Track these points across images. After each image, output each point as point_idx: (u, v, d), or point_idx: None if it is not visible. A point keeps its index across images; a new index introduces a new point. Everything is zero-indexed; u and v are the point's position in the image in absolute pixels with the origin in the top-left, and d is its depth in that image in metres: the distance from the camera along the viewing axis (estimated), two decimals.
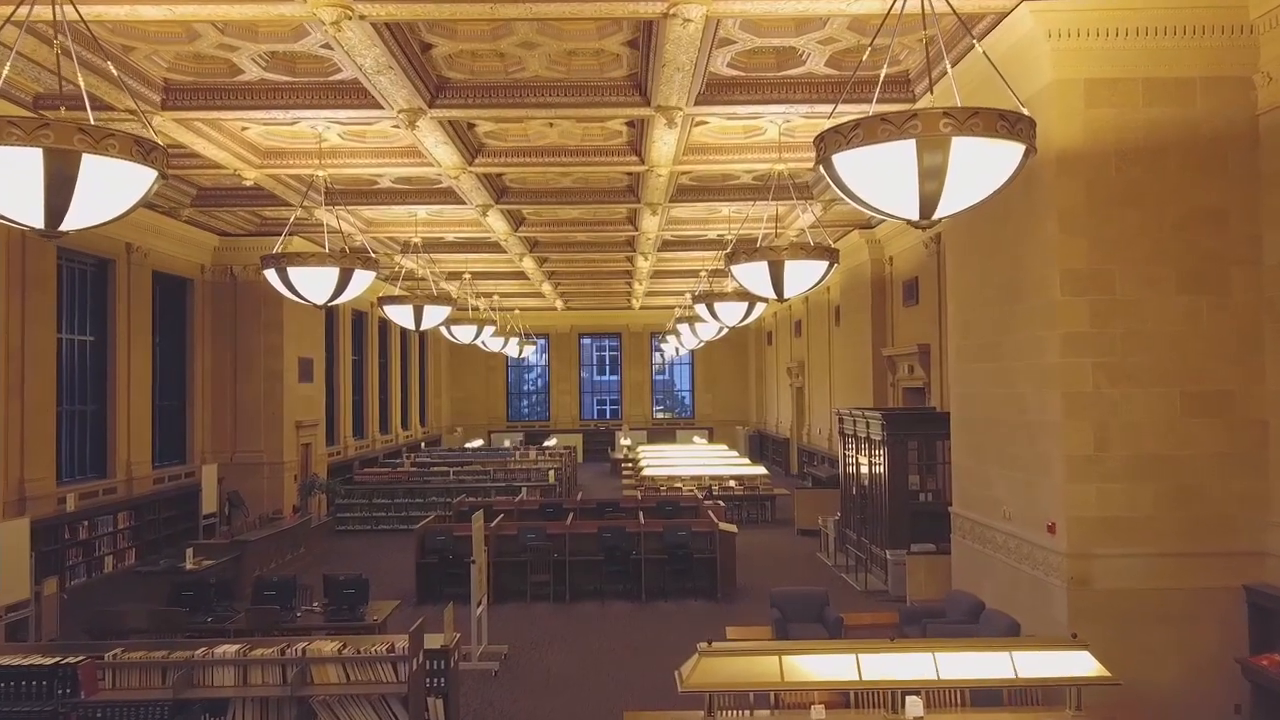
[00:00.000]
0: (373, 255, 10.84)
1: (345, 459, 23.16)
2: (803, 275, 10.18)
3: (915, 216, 5.41)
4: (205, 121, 10.80)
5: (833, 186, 5.49)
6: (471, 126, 11.69)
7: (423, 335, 31.87)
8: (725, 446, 28.77)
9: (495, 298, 27.82)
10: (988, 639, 6.85)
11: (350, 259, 10.33)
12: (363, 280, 10.61)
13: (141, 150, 5.39)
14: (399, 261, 19.66)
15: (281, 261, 10.19)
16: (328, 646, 6.28)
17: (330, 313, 22.64)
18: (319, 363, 20.72)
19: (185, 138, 11.11)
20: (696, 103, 10.11)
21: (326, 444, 21.92)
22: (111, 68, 5.86)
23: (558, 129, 11.82)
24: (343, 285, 10.47)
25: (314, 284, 10.41)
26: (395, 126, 11.41)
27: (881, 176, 5.27)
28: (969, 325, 9.69)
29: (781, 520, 19.11)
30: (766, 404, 32.94)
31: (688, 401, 37.82)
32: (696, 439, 32.65)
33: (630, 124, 11.64)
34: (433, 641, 7.10)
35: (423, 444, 29.90)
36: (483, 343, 23.74)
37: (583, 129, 11.88)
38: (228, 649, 6.28)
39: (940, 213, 5.36)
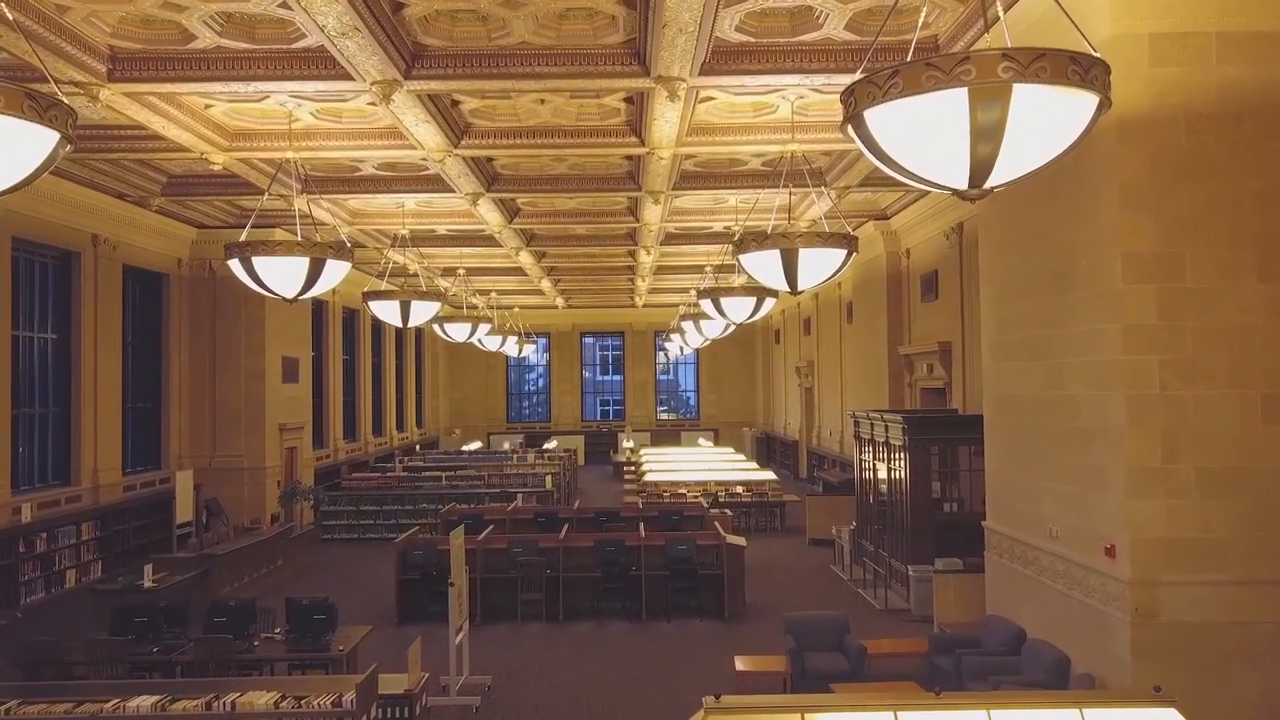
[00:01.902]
0: (348, 245, 9.85)
1: (335, 463, 22.19)
2: (818, 265, 9.27)
3: (963, 185, 4.48)
4: (160, 96, 9.82)
5: (865, 152, 4.51)
6: (456, 103, 10.70)
7: (419, 334, 30.91)
8: (731, 449, 27.74)
9: (493, 295, 26.85)
10: (1053, 693, 5.83)
11: (321, 248, 9.37)
12: (336, 272, 9.66)
13: (36, 107, 4.48)
14: (388, 256, 18.67)
15: (246, 250, 9.28)
16: (261, 699, 5.28)
17: (319, 310, 21.71)
18: (305, 362, 19.75)
19: (142, 115, 10.13)
20: (701, 72, 9.09)
21: (315, 447, 20.96)
22: (5, 9, 4.87)
23: (550, 106, 10.82)
24: (314, 277, 9.53)
25: (282, 275, 9.50)
26: (371, 104, 10.43)
27: (925, 136, 4.32)
28: (1007, 319, 8.66)
29: (791, 529, 18.08)
30: (774, 405, 31.91)
31: (692, 402, 36.80)
32: (702, 441, 31.63)
33: (629, 100, 10.64)
34: (394, 684, 6.11)
35: (418, 447, 28.91)
36: (479, 341, 22.74)
37: (577, 106, 10.88)
38: (144, 701, 5.29)
39: (994, 180, 4.41)
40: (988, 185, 4.45)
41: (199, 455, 17.10)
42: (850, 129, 4.46)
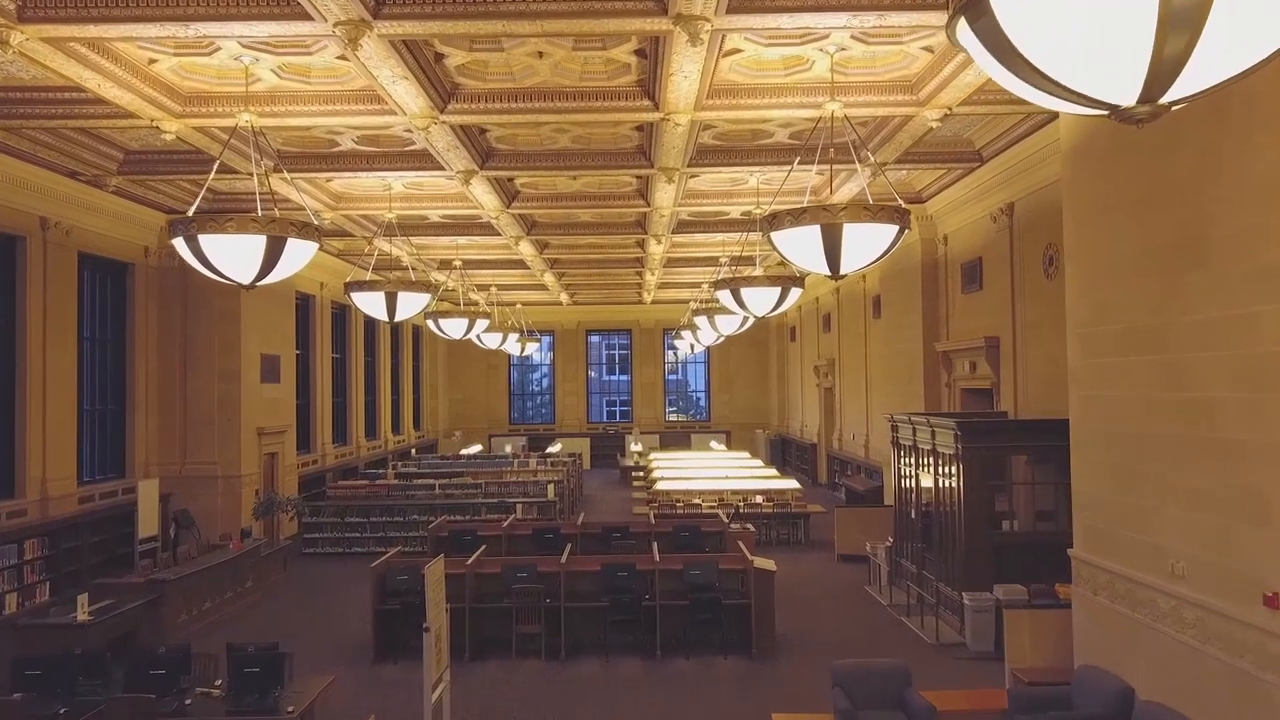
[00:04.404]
0: (315, 223, 8.36)
1: (323, 468, 20.69)
2: (865, 243, 7.92)
3: (1130, 100, 3.04)
4: (87, 44, 8.35)
5: (983, 56, 3.09)
6: (440, 58, 9.19)
7: (417, 331, 29.44)
8: (747, 454, 26.17)
9: (493, 290, 25.33)
10: None
11: (281, 225, 7.92)
12: (299, 254, 8.22)
13: None
14: (376, 245, 17.19)
15: (191, 227, 7.85)
16: None
17: (305, 305, 20.25)
18: (288, 360, 18.27)
19: (71, 70, 8.65)
20: (729, 10, 7.57)
21: (301, 452, 19.49)
22: None
23: (549, 61, 9.30)
24: (272, 259, 8.11)
25: (234, 257, 8.09)
26: (341, 57, 8.95)
27: (1084, 26, 2.82)
28: (1105, 305, 7.11)
29: (817, 542, 16.52)
30: (789, 406, 30.34)
31: (703, 403, 35.22)
32: (713, 444, 30.06)
33: (640, 53, 9.11)
34: None
35: (414, 450, 27.41)
36: (477, 338, 21.27)
37: (581, 61, 9.36)
38: None
39: (1177, 91, 3.01)
40: (1165, 99, 2.98)
41: (168, 462, 15.64)
42: (961, 26, 2.99)
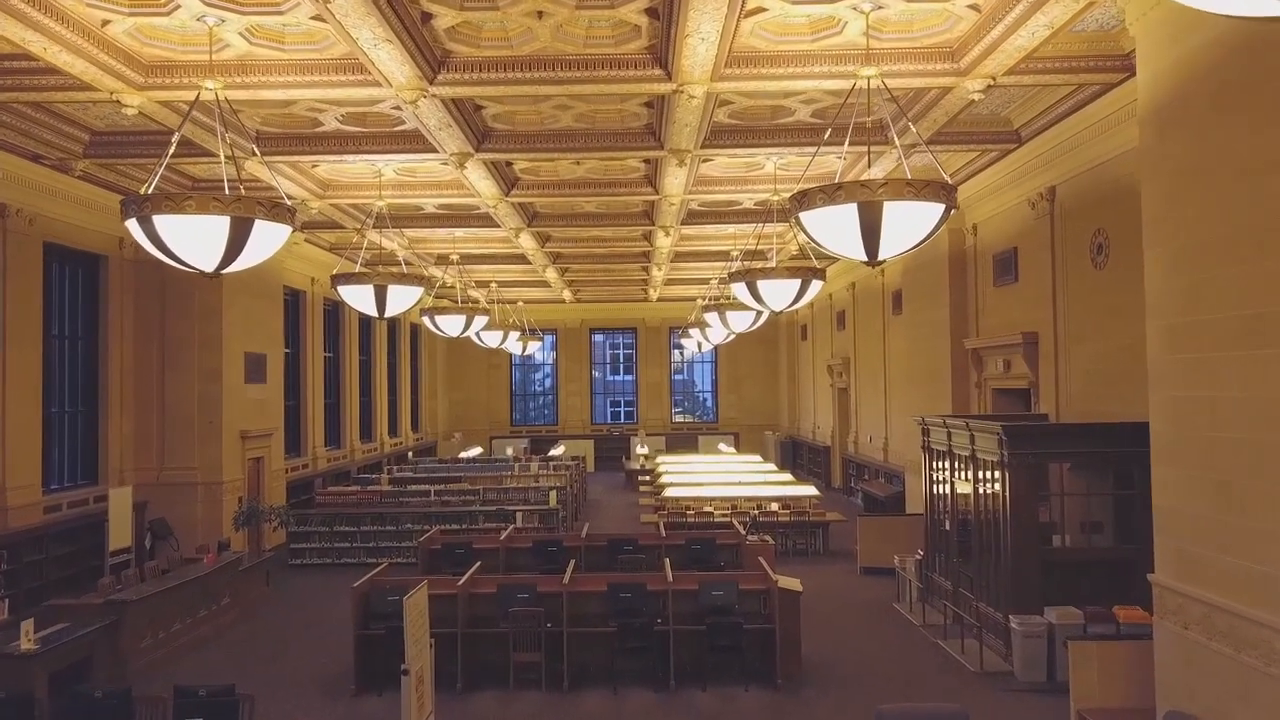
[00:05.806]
0: (288, 204, 7.35)
1: (314, 473, 19.70)
2: (907, 224, 7.09)
3: None
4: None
5: None
6: (428, 18, 8.18)
7: (415, 330, 28.45)
8: (758, 457, 25.13)
9: (493, 286, 24.37)
10: None
11: (247, 204, 6.96)
12: (269, 238, 7.27)
13: None
14: (366, 235, 16.20)
15: (145, 207, 6.89)
16: None
17: (294, 301, 19.28)
18: (275, 359, 17.28)
19: (13, 31, 7.69)
20: None
21: (290, 455, 18.50)
22: None
23: (550, 23, 8.29)
24: (238, 244, 7.15)
25: (195, 241, 7.13)
26: (316, 18, 7.97)
27: None
28: (1204, 290, 6.06)
29: (837, 552, 15.51)
30: (801, 407, 29.30)
31: (709, 404, 34.20)
32: (722, 446, 29.05)
33: (652, 13, 8.10)
34: None
35: (411, 454, 26.41)
36: (476, 336, 20.28)
37: (586, 23, 8.35)
38: None
39: None
40: None
41: (144, 468, 14.65)
42: None
